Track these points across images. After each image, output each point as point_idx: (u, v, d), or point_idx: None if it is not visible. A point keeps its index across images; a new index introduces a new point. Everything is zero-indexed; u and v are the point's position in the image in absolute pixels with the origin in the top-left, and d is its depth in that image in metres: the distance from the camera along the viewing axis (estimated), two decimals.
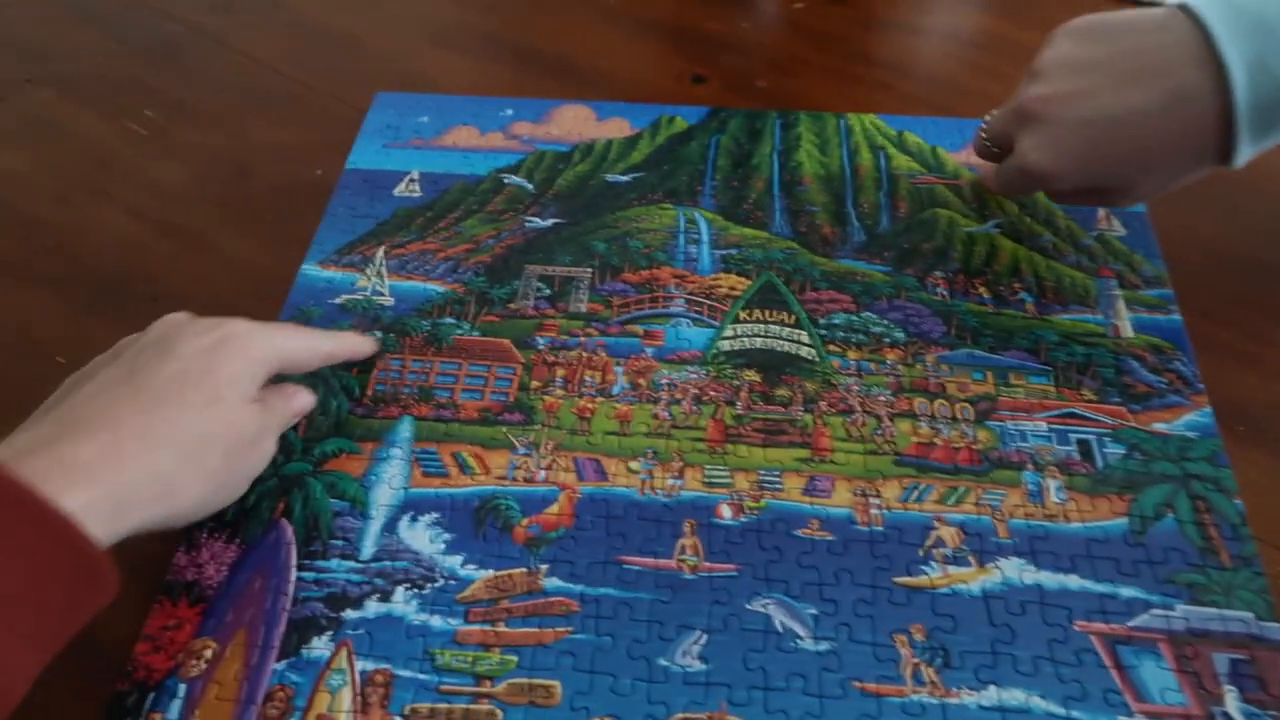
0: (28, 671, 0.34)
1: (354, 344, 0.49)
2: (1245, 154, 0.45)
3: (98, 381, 0.40)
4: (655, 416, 0.49)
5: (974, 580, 0.43)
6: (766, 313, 0.53)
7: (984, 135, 0.54)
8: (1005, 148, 0.52)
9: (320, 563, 0.45)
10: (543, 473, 0.47)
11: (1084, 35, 0.48)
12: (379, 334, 0.53)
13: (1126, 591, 0.43)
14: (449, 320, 0.53)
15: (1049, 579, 0.43)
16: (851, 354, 0.51)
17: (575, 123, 0.63)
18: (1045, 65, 0.48)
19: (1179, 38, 0.44)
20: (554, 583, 0.44)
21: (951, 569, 0.44)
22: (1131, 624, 0.42)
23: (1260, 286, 0.54)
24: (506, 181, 0.60)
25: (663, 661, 0.41)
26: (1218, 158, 0.45)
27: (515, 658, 0.42)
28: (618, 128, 0.63)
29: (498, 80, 0.67)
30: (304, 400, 0.46)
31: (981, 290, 0.54)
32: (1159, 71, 0.44)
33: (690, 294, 0.54)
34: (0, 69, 0.69)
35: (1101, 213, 0.57)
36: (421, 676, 0.41)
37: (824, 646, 0.42)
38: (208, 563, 0.45)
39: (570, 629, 0.42)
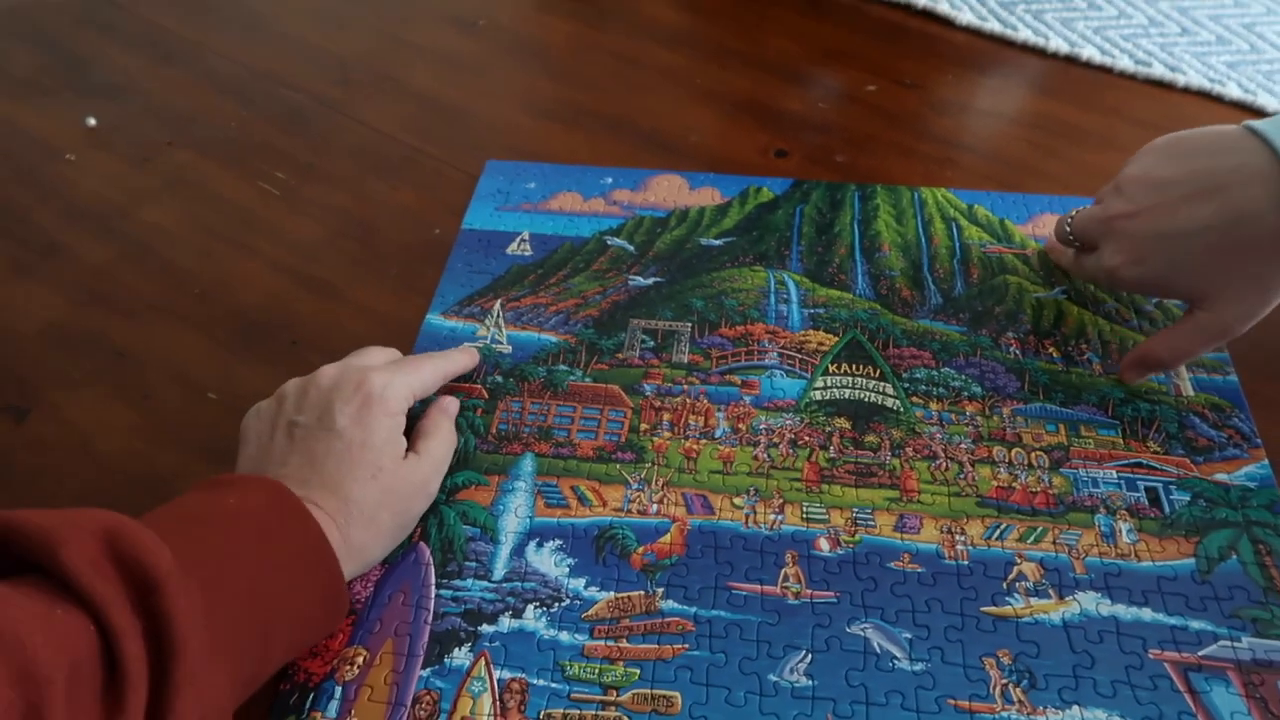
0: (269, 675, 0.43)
1: (463, 361, 0.57)
2: None
3: (280, 456, 0.48)
4: (755, 458, 0.54)
5: (1054, 611, 0.47)
6: (853, 366, 0.58)
7: (1068, 229, 0.59)
8: (1087, 246, 0.57)
9: (457, 582, 0.49)
10: (655, 506, 0.52)
11: (1163, 153, 0.53)
12: (477, 346, 0.60)
13: (1196, 624, 0.47)
14: (563, 367, 0.59)
15: (1124, 611, 0.47)
16: (933, 405, 0.56)
17: (670, 191, 0.70)
18: (1127, 181, 0.54)
19: (1246, 159, 0.49)
20: (670, 604, 0.48)
21: (1033, 600, 0.48)
22: (1202, 653, 0.46)
23: None
24: (610, 243, 0.66)
25: (772, 677, 0.46)
26: None
27: (638, 670, 0.46)
28: (709, 196, 0.69)
29: (598, 151, 0.73)
30: (450, 409, 0.55)
31: (1051, 350, 0.59)
32: (1224, 188, 0.49)
33: (782, 348, 0.59)
34: (144, 133, 0.76)
35: None
36: (554, 686, 0.46)
37: (919, 667, 0.46)
38: (355, 580, 0.49)
39: (686, 646, 0.47)
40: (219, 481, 0.44)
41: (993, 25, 0.83)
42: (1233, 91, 0.75)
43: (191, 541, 0.39)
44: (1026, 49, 0.81)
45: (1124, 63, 0.78)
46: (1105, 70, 0.79)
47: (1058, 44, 0.80)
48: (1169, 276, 0.53)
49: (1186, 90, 0.76)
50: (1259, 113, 0.74)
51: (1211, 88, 0.76)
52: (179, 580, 0.36)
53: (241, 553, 0.41)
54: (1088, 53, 0.80)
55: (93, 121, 0.77)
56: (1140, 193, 0.53)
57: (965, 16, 0.84)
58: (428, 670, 0.46)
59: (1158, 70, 0.78)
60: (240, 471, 0.49)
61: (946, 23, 0.84)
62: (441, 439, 0.52)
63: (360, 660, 0.47)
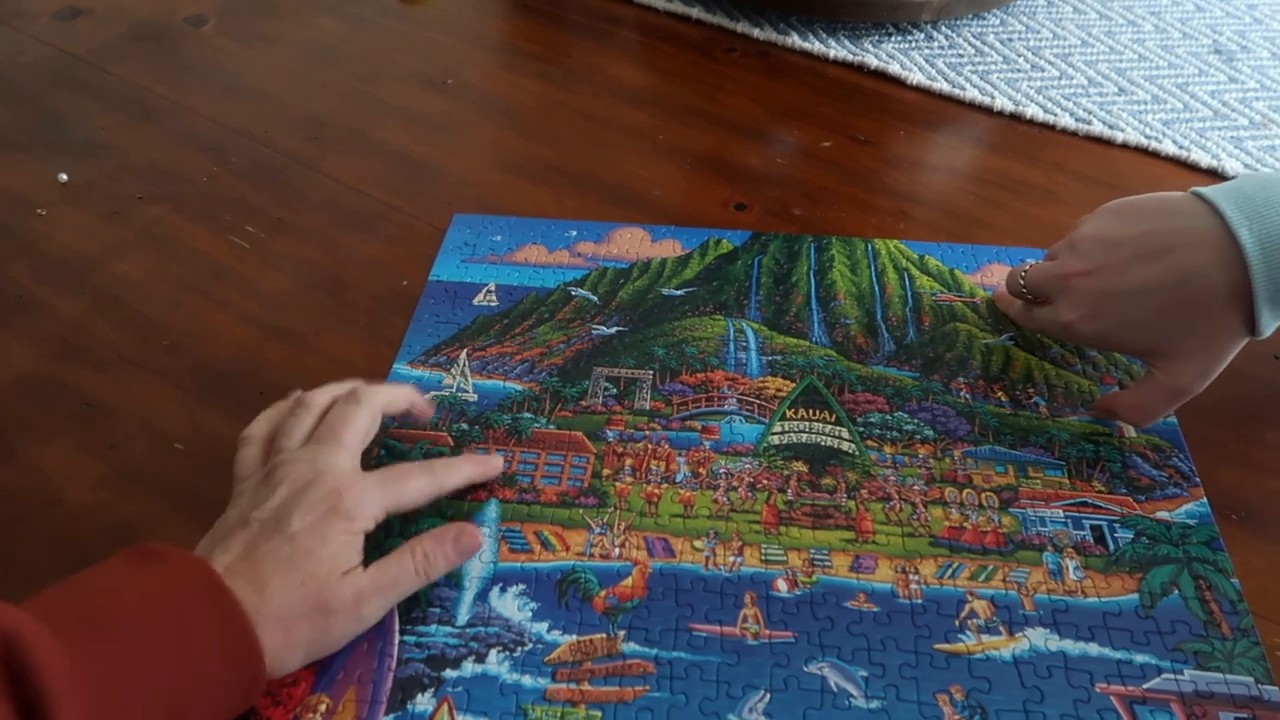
0: None
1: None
2: (1268, 324, 0.50)
3: (227, 539, 0.46)
4: (715, 501, 0.55)
5: (1005, 647, 0.49)
6: (810, 412, 0.60)
7: (1021, 282, 0.61)
8: (1040, 300, 0.60)
9: (421, 628, 0.50)
10: (617, 550, 0.53)
11: (1116, 214, 0.55)
12: (443, 394, 0.62)
13: (1140, 658, 0.48)
14: (527, 415, 0.60)
15: (1071, 646, 0.49)
16: (887, 449, 0.58)
17: (633, 243, 0.72)
18: (1082, 240, 0.56)
19: (1192, 222, 0.51)
20: (631, 646, 0.49)
21: (985, 637, 0.49)
22: (1146, 686, 0.47)
23: (1246, 393, 0.61)
24: (574, 294, 0.68)
25: (731, 717, 0.46)
26: (1246, 329, 0.51)
27: (599, 713, 0.47)
28: (670, 248, 0.71)
29: (564, 205, 0.75)
30: (462, 545, 0.51)
31: (1000, 394, 0.61)
32: (1172, 249, 0.51)
33: (741, 394, 0.61)
34: (116, 188, 0.77)
35: None
36: None
37: (875, 704, 0.47)
38: None
39: (647, 688, 0.48)
40: (149, 554, 0.43)
41: (942, 85, 0.86)
42: (1168, 148, 0.79)
43: (97, 637, 0.39)
44: (974, 107, 0.85)
45: (1065, 121, 0.82)
46: (1048, 128, 0.83)
47: (1003, 103, 0.84)
48: (1122, 333, 0.55)
49: (1124, 146, 0.80)
50: (1192, 167, 0.77)
51: (1148, 144, 0.79)
52: (71, 696, 0.36)
53: (153, 643, 0.40)
54: (1031, 111, 0.83)
55: (64, 177, 0.78)
56: (1094, 251, 0.55)
57: (916, 77, 0.87)
58: (391, 717, 0.47)
59: (1097, 128, 0.81)
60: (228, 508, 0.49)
61: (898, 83, 0.88)
62: (394, 562, 0.49)
63: (323, 708, 0.47)
